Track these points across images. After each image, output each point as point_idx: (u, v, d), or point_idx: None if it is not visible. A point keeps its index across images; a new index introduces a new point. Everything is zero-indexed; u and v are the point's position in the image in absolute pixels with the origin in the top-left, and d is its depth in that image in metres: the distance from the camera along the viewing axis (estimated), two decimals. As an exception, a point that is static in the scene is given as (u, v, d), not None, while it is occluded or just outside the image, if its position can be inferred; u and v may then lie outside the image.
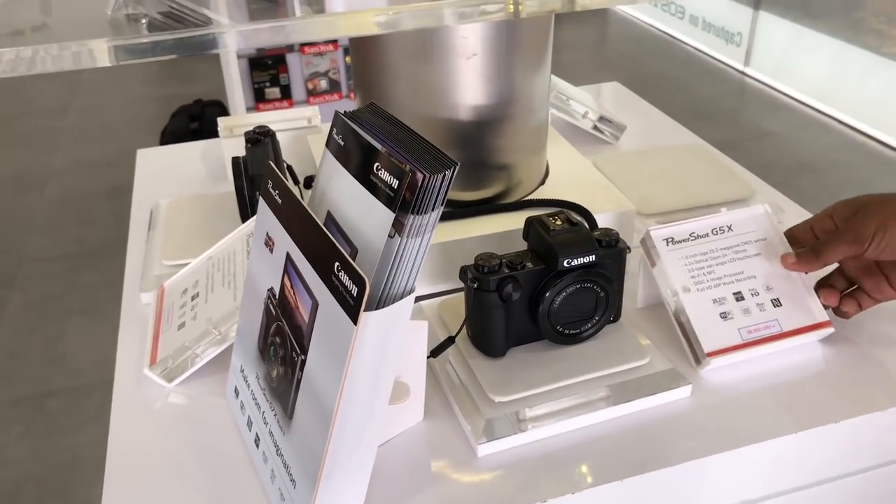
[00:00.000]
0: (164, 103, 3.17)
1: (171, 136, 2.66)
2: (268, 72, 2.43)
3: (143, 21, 0.60)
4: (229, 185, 0.82)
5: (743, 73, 3.61)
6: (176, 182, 0.93)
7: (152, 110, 3.29)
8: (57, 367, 1.86)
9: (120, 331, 0.67)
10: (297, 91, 2.50)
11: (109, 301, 2.20)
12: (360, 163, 0.48)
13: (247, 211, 0.75)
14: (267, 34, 0.55)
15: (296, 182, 0.86)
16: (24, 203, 2.66)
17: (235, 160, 0.78)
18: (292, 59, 2.45)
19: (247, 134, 0.80)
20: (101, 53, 0.49)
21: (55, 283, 2.18)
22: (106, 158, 2.92)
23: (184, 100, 2.87)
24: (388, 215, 0.45)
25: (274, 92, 2.46)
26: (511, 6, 0.43)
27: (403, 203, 0.44)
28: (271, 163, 0.55)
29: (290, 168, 0.85)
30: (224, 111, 2.71)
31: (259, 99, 2.46)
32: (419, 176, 0.44)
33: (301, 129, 0.97)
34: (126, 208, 0.89)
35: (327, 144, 0.52)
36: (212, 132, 0.98)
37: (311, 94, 2.50)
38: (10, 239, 2.43)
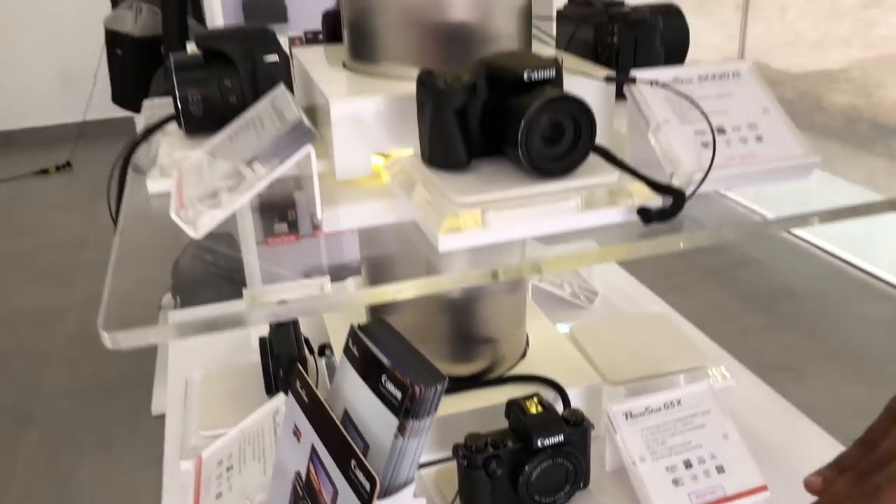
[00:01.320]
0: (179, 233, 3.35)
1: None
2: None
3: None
4: (255, 354, 0.95)
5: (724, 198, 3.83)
6: (207, 346, 1.06)
7: (167, 240, 3.47)
8: (70, 505, 1.93)
9: (163, 499, 0.78)
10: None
11: (123, 436, 2.28)
12: (371, 373, 0.61)
13: (272, 387, 0.88)
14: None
15: (311, 351, 0.99)
16: (42, 337, 2.78)
17: (262, 341, 0.91)
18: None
19: (271, 315, 0.94)
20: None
21: (70, 420, 2.27)
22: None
23: (198, 236, 3.05)
24: (393, 421, 0.57)
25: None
26: (491, 276, 0.57)
27: (405, 411, 0.57)
28: (299, 365, 0.68)
29: (306, 340, 0.99)
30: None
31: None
32: (418, 389, 0.57)
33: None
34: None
35: (345, 352, 0.66)
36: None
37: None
38: (27, 374, 2.54)
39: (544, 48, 0.86)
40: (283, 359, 0.86)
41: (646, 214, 0.58)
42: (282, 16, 2.39)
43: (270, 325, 0.93)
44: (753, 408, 0.90)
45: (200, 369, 0.98)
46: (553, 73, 0.58)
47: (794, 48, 3.49)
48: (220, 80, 0.69)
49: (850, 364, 2.52)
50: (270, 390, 0.89)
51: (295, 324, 0.92)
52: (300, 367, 0.68)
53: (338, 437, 0.60)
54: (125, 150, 0.76)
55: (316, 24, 2.31)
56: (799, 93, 3.48)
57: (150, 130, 0.76)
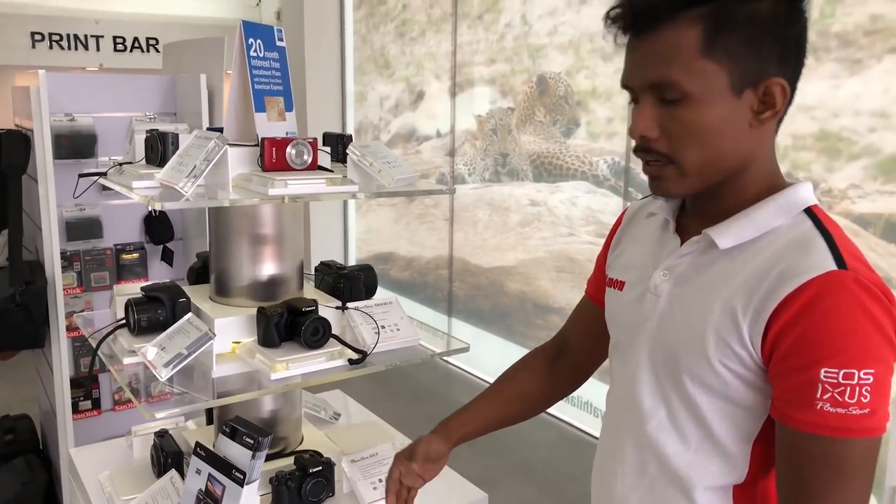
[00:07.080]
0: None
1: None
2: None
3: None
4: (130, 460, 1.64)
5: (445, 361, 4.96)
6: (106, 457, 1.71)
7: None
8: None
9: (110, 528, 1.44)
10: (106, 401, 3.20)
11: None
12: (234, 435, 1.41)
13: (161, 471, 1.59)
14: None
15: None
16: None
17: (154, 446, 1.63)
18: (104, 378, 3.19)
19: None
20: None
21: None
22: None
23: (-9, 414, 3.37)
24: (248, 452, 1.37)
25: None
26: (290, 388, 1.43)
27: (256, 447, 1.37)
28: (198, 441, 1.45)
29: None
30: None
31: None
32: (263, 439, 1.37)
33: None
34: None
35: (221, 432, 1.44)
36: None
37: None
38: None
39: (308, 288, 1.77)
40: (171, 452, 1.59)
41: (350, 362, 1.48)
42: (98, 233, 3.09)
43: (154, 437, 1.65)
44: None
45: (106, 470, 1.65)
46: (314, 307, 1.49)
47: (483, 250, 4.87)
48: (156, 310, 1.49)
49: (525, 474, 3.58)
50: (160, 473, 1.59)
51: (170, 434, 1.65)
52: (199, 442, 1.44)
53: (224, 463, 1.37)
54: (97, 342, 1.50)
55: (122, 239, 3.40)
56: (489, 281, 4.82)
57: (112, 331, 1.51)
